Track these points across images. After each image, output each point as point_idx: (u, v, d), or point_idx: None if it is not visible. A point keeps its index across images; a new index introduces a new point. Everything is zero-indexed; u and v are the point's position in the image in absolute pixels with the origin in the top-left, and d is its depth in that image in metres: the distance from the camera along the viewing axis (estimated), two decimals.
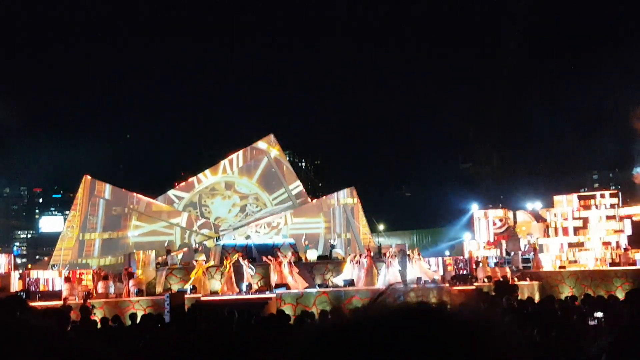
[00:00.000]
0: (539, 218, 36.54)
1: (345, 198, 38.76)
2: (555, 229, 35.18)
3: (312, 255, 30.28)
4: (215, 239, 33.69)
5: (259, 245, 30.59)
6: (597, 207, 35.06)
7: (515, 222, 37.59)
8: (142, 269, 27.74)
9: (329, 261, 29.52)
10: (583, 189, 45.23)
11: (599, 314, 12.59)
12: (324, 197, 40.77)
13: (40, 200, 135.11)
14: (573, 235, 34.65)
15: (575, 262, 33.10)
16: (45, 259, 37.87)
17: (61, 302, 22.93)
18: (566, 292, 27.82)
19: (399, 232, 52.48)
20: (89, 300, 24.01)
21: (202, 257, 28.64)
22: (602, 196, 35.66)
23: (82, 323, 14.62)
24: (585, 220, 34.85)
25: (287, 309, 22.08)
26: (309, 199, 40.39)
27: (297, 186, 39.92)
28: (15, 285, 27.03)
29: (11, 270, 29.87)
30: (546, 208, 37.02)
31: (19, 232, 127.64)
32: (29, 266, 40.18)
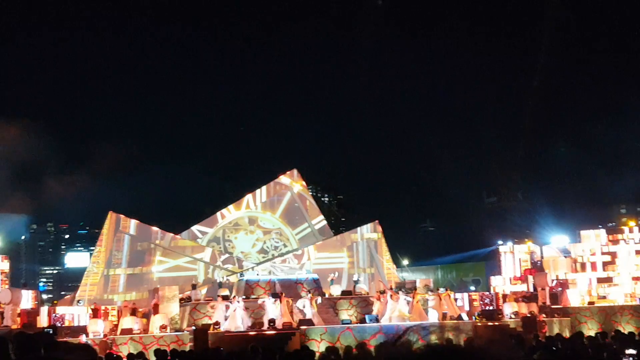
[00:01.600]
0: (566, 253, 35.95)
1: (369, 233, 38.60)
2: (583, 264, 34.56)
3: (335, 290, 30.08)
4: (239, 274, 33.66)
5: (282, 280, 30.49)
6: (625, 242, 34.45)
7: (542, 257, 37.03)
8: (166, 304, 27.75)
9: (353, 296, 29.28)
10: (611, 223, 44.56)
11: (632, 351, 12.28)
12: (348, 232, 40.66)
13: (67, 236, 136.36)
14: (602, 270, 34.00)
15: (604, 297, 32.44)
16: (71, 295, 38.11)
17: (86, 338, 23.01)
18: (595, 328, 27.22)
19: (423, 267, 52.02)
20: (108, 336, 24.07)
21: (226, 292, 28.61)
22: (631, 230, 35.06)
23: (107, 358, 14.64)
24: (614, 255, 34.22)
25: (312, 345, 21.91)
26: (332, 234, 40.29)
27: (320, 221, 39.89)
28: (43, 321, 27.18)
29: (38, 306, 30.11)
30: (574, 243, 36.45)
31: (45, 268, 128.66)
32: (55, 302, 40.39)
